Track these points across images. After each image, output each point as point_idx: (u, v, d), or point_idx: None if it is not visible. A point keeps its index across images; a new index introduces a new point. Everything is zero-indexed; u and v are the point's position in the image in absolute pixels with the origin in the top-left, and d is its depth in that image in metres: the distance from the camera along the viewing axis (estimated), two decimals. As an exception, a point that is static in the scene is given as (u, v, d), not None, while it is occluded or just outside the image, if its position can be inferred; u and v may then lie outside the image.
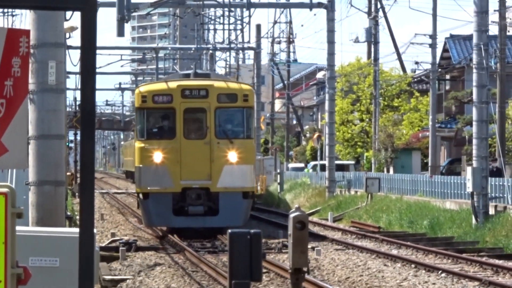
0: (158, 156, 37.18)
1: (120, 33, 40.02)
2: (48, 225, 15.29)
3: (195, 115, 38.77)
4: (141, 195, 38.66)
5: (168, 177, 36.90)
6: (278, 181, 67.60)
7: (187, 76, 42.94)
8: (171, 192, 37.08)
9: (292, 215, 16.38)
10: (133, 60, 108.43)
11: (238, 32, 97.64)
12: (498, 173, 47.28)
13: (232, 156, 36.90)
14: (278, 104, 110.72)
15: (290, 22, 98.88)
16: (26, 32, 5.62)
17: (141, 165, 37.95)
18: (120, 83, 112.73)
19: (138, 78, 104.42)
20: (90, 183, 6.30)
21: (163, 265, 28.64)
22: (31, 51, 13.03)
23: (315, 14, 65.02)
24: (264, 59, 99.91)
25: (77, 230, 6.98)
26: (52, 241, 12.63)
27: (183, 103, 37.53)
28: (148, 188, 37.15)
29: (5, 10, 50.52)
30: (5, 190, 5.78)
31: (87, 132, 6.14)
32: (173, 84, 38.79)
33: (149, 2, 43.50)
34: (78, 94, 72.26)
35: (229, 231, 19.69)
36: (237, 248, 16.09)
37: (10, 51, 5.31)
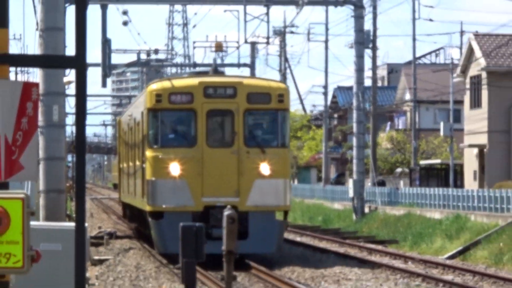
0: (175, 168, 21.70)
1: (104, 84, 38.37)
2: (53, 221, 15.26)
3: (220, 119, 22.72)
4: (152, 215, 22.56)
5: (187, 193, 21.65)
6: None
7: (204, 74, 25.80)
8: (191, 211, 21.70)
9: (225, 213, 15.40)
10: (113, 104, 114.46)
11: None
12: (382, 184, 48.32)
13: (264, 168, 21.80)
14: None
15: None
16: (36, 84, 5.60)
17: (153, 178, 21.98)
18: (104, 121, 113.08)
19: (117, 117, 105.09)
20: (82, 191, 6.11)
21: (135, 249, 27.77)
22: (40, 97, 12.29)
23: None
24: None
25: (73, 224, 6.71)
26: (56, 232, 12.53)
27: (206, 104, 22.02)
28: (163, 206, 21.67)
29: (22, 68, 48.66)
30: (22, 195, 5.62)
31: (80, 155, 5.92)
32: (193, 81, 22.69)
33: (124, 64, 44.06)
34: (74, 128, 71.87)
35: (181, 225, 17.40)
36: (187, 237, 15.36)
37: (25, 98, 5.32)
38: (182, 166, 21.37)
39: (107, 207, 60.08)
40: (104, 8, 34.42)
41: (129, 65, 45.35)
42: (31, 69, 49.11)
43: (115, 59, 47.74)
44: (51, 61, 6.20)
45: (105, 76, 36.17)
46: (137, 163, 25.90)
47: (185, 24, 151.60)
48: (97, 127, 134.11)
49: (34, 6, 15.94)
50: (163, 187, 21.49)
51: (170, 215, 21.14)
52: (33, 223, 5.99)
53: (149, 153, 22.05)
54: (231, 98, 21.76)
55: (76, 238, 6.02)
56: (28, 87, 5.31)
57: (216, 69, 25.32)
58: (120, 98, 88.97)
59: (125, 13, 40.72)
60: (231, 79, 22.98)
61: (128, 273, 21.51)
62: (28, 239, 5.53)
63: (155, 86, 22.62)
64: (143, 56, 45.49)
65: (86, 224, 6.47)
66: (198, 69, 37.77)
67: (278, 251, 22.71)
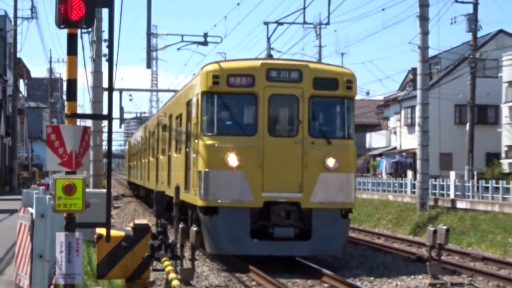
0: (232, 158, 17.89)
1: (120, 127, 49.45)
2: (96, 189, 22.23)
3: (283, 105, 18.73)
4: (204, 210, 17.92)
5: (245, 187, 17.84)
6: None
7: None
8: (249, 207, 17.78)
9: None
10: (125, 136, 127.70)
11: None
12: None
13: (330, 161, 18.14)
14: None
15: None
16: (89, 127, 8.11)
17: (207, 170, 17.89)
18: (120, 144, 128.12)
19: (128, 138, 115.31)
20: (110, 175, 8.38)
21: (133, 202, 45.48)
22: (90, 132, 15.44)
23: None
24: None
25: (105, 190, 8.73)
26: (97, 194, 18.41)
27: (268, 88, 18.31)
28: (219, 201, 17.58)
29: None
30: (82, 177, 7.91)
31: (109, 159, 8.67)
32: (255, 62, 18.85)
33: (129, 118, 50.94)
34: (106, 147, 78.84)
35: (155, 191, 17.20)
36: (159, 202, 15.56)
37: (84, 133, 7.98)
38: (240, 156, 17.35)
39: (121, 183, 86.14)
40: (120, 93, 46.99)
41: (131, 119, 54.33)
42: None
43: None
44: (95, 117, 10.94)
45: (121, 123, 53.39)
46: (175, 154, 22.42)
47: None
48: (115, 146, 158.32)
49: (89, 92, 24.37)
50: (218, 180, 17.32)
51: (226, 211, 17.13)
52: (87, 190, 8.16)
53: (202, 142, 17.66)
54: (296, 82, 17.95)
55: (106, 197, 8.49)
56: (85, 128, 8.18)
57: (271, 57, 21.55)
58: (128, 133, 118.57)
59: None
60: (296, 62, 18.84)
61: (130, 213, 34.58)
62: (84, 197, 7.73)
63: (212, 67, 17.95)
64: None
65: (112, 190, 9.66)
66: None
67: (343, 253, 18.92)
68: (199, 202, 17.51)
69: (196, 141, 18.04)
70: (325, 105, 18.48)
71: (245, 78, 17.89)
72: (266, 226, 17.11)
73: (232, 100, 18.10)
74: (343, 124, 18.43)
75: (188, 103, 19.93)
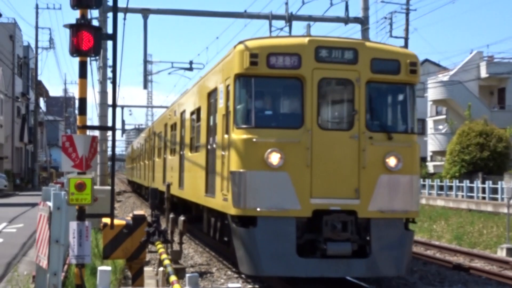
0: (275, 156, 10.47)
1: (122, 136, 50.56)
2: (102, 186, 21.12)
3: (335, 91, 11.33)
4: (238, 221, 10.86)
5: (291, 192, 10.45)
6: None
7: None
8: (295, 217, 10.47)
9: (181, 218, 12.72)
10: (126, 143, 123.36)
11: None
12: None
13: (392, 160, 10.90)
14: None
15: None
16: (96, 136, 8.02)
17: (243, 170, 10.45)
18: (122, 150, 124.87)
19: (131, 143, 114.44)
20: (113, 175, 8.23)
21: (132, 196, 43.89)
22: (97, 141, 14.65)
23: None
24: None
25: (110, 187, 8.63)
26: (103, 190, 18.07)
27: (317, 70, 10.87)
28: (258, 209, 10.24)
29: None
30: (90, 176, 7.84)
31: (113, 161, 8.24)
32: (301, 40, 11.08)
33: (130, 129, 50.85)
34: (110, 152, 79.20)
35: (150, 188, 15.78)
36: (153, 196, 14.39)
37: (92, 141, 7.90)
38: (284, 154, 11.08)
39: (122, 181, 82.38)
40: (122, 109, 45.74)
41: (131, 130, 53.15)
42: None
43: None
44: (102, 128, 10.76)
45: (122, 132, 58.21)
46: (190, 154, 16.25)
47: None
48: (117, 152, 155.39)
49: (97, 108, 23.54)
50: (257, 183, 10.97)
51: (267, 221, 10.81)
52: (95, 187, 7.95)
53: (236, 136, 11.30)
54: (350, 64, 11.60)
55: (111, 193, 8.40)
56: (93, 137, 8.15)
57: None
58: (128, 141, 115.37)
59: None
60: (350, 40, 12.06)
61: (129, 205, 33.53)
62: (93, 192, 7.73)
63: (249, 43, 11.39)
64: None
65: (115, 187, 9.71)
66: None
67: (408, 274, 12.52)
68: (232, 210, 11.05)
69: (227, 135, 11.65)
70: (385, 92, 11.94)
71: (289, 58, 11.31)
72: (317, 241, 11.00)
73: (273, 85, 11.54)
74: (405, 116, 11.86)
75: (211, 94, 13.76)
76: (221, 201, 11.73)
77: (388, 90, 11.94)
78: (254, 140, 10.95)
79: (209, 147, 13.51)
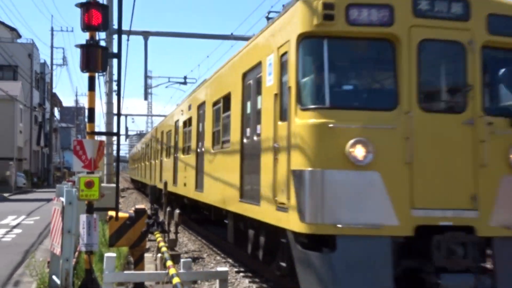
0: (360, 150, 4.84)
1: (125, 140, 51.29)
2: (108, 183, 21.03)
3: (442, 58, 5.13)
4: (306, 241, 5.22)
5: (384, 200, 4.76)
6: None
7: None
8: (391, 236, 4.78)
9: (176, 212, 12.40)
10: (129, 146, 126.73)
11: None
12: None
13: None
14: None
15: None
16: (103, 141, 7.93)
17: (314, 169, 4.71)
18: (125, 153, 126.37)
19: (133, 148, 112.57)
20: (118, 175, 8.33)
21: (135, 193, 40.49)
22: (104, 145, 14.57)
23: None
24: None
25: (115, 185, 8.56)
26: (109, 188, 17.38)
27: (416, 28, 4.93)
28: (339, 225, 4.68)
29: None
30: (98, 175, 7.62)
31: (118, 163, 8.81)
32: None
33: (132, 134, 50.75)
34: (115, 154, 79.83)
35: (149, 185, 15.39)
36: (152, 192, 13.20)
37: (100, 145, 7.73)
38: (373, 146, 5.84)
39: (126, 179, 79.43)
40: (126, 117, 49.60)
41: (133, 135, 55.38)
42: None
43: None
44: (108, 134, 10.60)
45: (126, 138, 56.84)
46: (212, 150, 11.16)
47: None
48: (121, 154, 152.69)
49: (104, 116, 23.58)
50: (335, 187, 5.68)
51: (351, 243, 5.63)
52: (102, 184, 7.78)
53: (301, 120, 6.15)
54: (460, 20, 6.24)
55: (116, 189, 8.43)
56: (101, 142, 8.00)
57: None
58: (131, 145, 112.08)
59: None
60: None
61: (132, 200, 32.00)
62: (100, 189, 7.54)
63: None
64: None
65: (120, 184, 9.51)
66: None
67: None
68: (296, 226, 6.33)
69: (282, 122, 6.93)
70: (507, 61, 6.85)
71: (376, 12, 6.40)
72: (424, 271, 6.35)
73: (355, 49, 6.56)
74: None
75: (247, 74, 8.73)
76: (273, 211, 7.08)
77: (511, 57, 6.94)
78: (331, 125, 6.18)
79: (245, 140, 8.79)
